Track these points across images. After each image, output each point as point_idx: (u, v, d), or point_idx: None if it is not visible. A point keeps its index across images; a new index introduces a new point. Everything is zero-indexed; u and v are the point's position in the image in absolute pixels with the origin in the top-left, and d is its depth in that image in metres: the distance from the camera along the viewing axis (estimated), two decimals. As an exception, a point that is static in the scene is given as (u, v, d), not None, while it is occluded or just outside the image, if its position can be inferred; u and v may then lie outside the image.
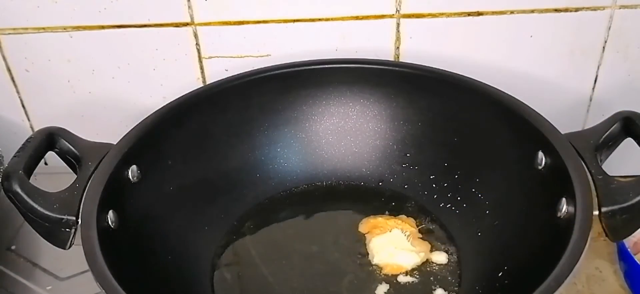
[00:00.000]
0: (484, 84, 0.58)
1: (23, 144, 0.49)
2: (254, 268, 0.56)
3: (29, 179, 0.47)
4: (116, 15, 0.64)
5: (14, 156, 0.48)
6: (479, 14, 0.63)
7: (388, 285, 0.54)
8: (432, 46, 0.65)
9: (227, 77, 0.62)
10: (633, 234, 0.54)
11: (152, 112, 0.57)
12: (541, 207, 0.50)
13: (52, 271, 0.60)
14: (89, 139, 0.53)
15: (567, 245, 0.42)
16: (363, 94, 0.64)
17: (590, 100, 0.68)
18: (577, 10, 0.62)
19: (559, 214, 0.47)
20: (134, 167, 0.53)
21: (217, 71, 0.67)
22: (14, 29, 0.65)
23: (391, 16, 0.64)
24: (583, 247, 0.41)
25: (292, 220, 0.61)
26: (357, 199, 0.63)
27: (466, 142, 0.60)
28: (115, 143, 0.53)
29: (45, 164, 0.66)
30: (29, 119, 0.72)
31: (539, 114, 0.53)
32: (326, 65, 0.63)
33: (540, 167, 0.52)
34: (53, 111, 0.71)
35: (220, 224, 0.60)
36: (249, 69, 0.63)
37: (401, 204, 0.61)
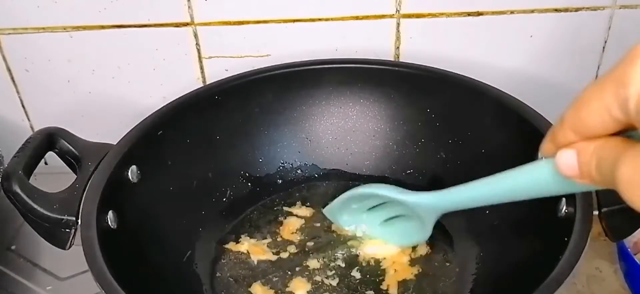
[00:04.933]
0: (484, 84, 0.58)
1: (23, 144, 0.49)
2: (254, 268, 0.56)
3: (29, 179, 0.47)
4: (116, 15, 0.64)
5: (14, 156, 0.48)
6: (479, 14, 0.63)
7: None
8: (432, 46, 0.65)
9: (227, 77, 0.62)
10: (633, 234, 0.54)
11: (152, 112, 0.57)
12: (541, 207, 0.49)
13: (52, 271, 0.60)
14: (89, 139, 0.53)
15: (567, 245, 0.42)
16: (363, 94, 0.64)
17: (590, 100, 0.68)
18: (577, 10, 0.62)
19: (559, 214, 0.47)
20: (134, 167, 0.53)
21: (217, 71, 0.68)
22: (14, 29, 0.65)
23: (391, 16, 0.64)
24: (583, 247, 0.41)
25: (291, 220, 0.61)
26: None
27: (466, 142, 0.60)
28: (115, 143, 0.53)
29: (45, 164, 0.66)
30: (29, 119, 0.72)
31: (539, 114, 0.53)
32: (326, 65, 0.63)
33: (540, 167, 0.52)
34: (53, 111, 0.71)
35: (220, 224, 0.60)
36: (249, 69, 0.63)
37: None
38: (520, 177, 0.40)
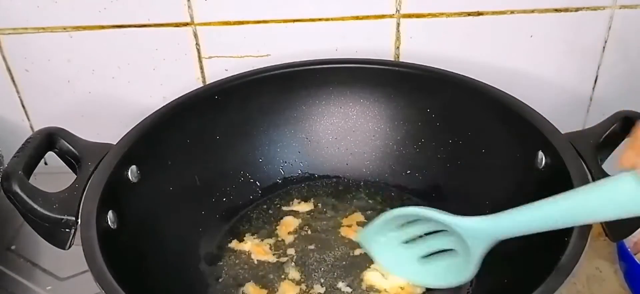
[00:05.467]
0: (484, 84, 0.58)
1: (23, 144, 0.49)
2: (254, 268, 0.56)
3: (29, 179, 0.47)
4: (116, 15, 0.64)
5: (14, 156, 0.48)
6: (479, 14, 0.63)
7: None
8: (432, 46, 0.65)
9: (227, 77, 0.62)
10: (633, 234, 0.54)
11: (152, 112, 0.57)
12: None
13: (52, 271, 0.60)
14: (89, 139, 0.53)
15: (567, 245, 0.42)
16: (363, 94, 0.64)
17: (590, 100, 0.68)
18: (577, 10, 0.62)
19: (559, 214, 0.47)
20: (133, 167, 0.53)
21: (217, 71, 0.68)
22: (14, 29, 0.65)
23: (391, 16, 0.64)
24: (583, 247, 0.41)
25: (291, 220, 0.61)
26: (357, 199, 0.63)
27: (466, 142, 0.60)
28: (115, 143, 0.53)
29: (45, 164, 0.66)
30: (29, 119, 0.72)
31: (539, 114, 0.53)
32: (326, 65, 0.63)
33: (540, 167, 0.52)
34: (53, 111, 0.71)
35: (220, 224, 0.60)
36: (249, 69, 0.63)
37: (401, 204, 0.61)
38: (595, 195, 0.34)
